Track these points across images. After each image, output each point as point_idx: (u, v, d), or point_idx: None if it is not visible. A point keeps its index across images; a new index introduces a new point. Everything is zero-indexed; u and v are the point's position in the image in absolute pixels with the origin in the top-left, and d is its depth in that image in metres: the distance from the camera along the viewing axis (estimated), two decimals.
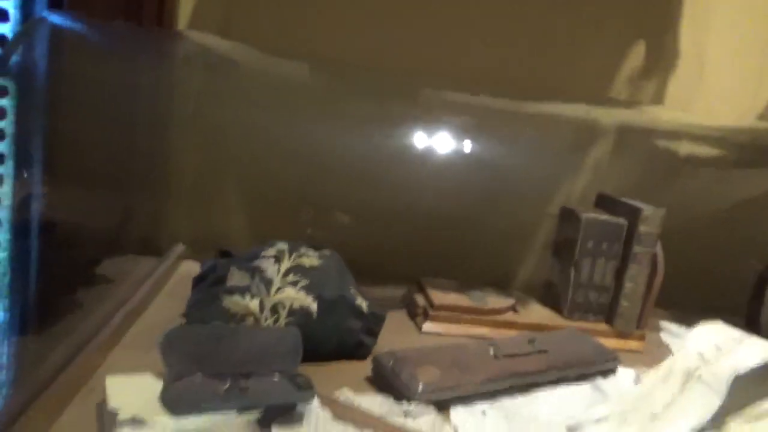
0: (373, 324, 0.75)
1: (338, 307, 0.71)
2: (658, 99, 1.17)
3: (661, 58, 1.16)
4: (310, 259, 0.73)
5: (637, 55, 1.15)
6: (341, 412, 0.60)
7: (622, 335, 0.89)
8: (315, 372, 0.68)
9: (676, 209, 1.18)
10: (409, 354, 0.68)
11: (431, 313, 0.86)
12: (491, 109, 1.13)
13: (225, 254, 0.82)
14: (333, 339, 0.71)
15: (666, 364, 0.67)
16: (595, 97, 1.17)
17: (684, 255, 1.19)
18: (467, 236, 1.14)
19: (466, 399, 0.66)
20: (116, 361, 0.65)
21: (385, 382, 0.66)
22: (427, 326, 0.86)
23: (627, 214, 0.89)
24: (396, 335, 0.80)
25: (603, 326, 0.91)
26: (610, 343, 0.87)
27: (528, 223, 1.15)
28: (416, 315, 0.89)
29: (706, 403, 0.61)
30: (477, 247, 1.15)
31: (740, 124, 1.21)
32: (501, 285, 1.08)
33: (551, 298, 0.96)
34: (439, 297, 0.88)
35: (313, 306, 0.69)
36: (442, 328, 0.86)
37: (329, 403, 0.60)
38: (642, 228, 0.87)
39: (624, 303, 0.89)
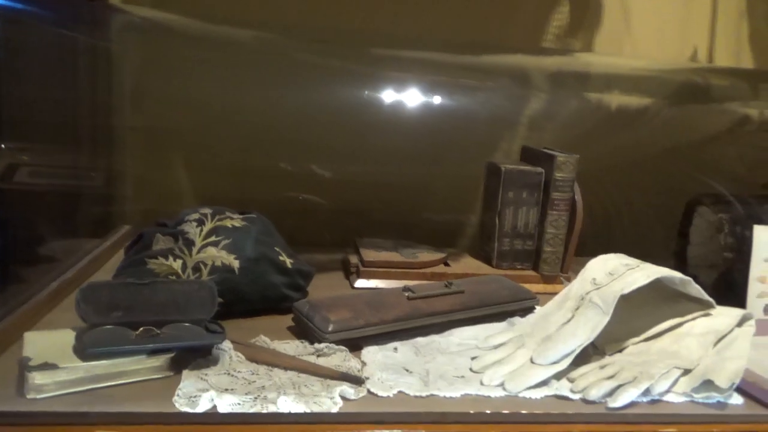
0: (299, 279, 0.80)
1: (260, 264, 0.75)
2: (588, 48, 1.21)
3: (588, 8, 1.20)
4: (233, 221, 0.77)
5: (565, 7, 1.19)
6: (254, 354, 0.64)
7: (547, 279, 0.94)
8: (240, 324, 0.73)
9: (612, 152, 1.24)
10: (325, 300, 0.72)
11: (362, 269, 0.90)
12: (432, 63, 1.16)
13: (162, 226, 0.86)
14: (256, 293, 0.75)
15: (563, 291, 0.72)
16: (529, 48, 1.21)
17: (618, 198, 1.25)
18: (414, 197, 1.18)
19: (379, 339, 0.70)
20: (51, 322, 0.69)
21: (302, 327, 0.70)
22: (360, 282, 0.90)
23: (544, 163, 0.93)
24: (330, 292, 0.84)
25: (530, 272, 0.95)
26: (537, 287, 0.91)
27: (473, 178, 1.19)
28: (350, 273, 0.93)
29: (595, 321, 0.65)
30: (425, 207, 1.19)
31: (671, 66, 1.25)
32: (448, 242, 1.13)
33: (482, 250, 1.00)
34: (371, 254, 0.92)
35: (235, 263, 0.74)
36: (374, 284, 0.90)
37: (243, 347, 0.65)
38: (558, 174, 0.91)
39: (547, 248, 0.93)
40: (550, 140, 1.11)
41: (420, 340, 0.72)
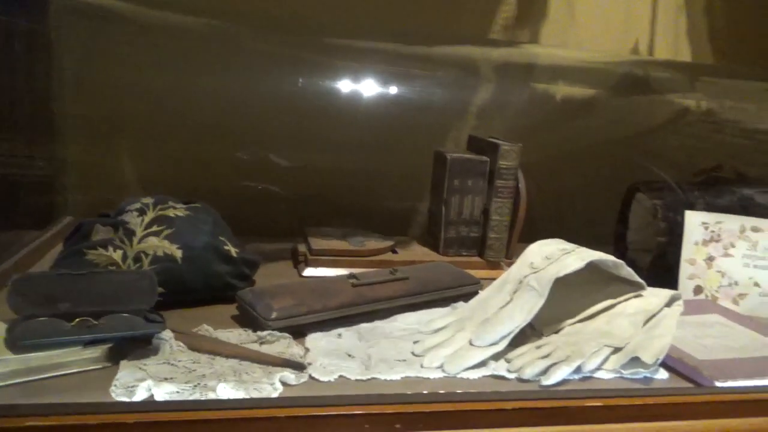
0: (245, 268, 0.80)
1: (204, 253, 0.75)
2: (535, 39, 1.24)
3: (534, 0, 1.22)
4: (177, 210, 0.77)
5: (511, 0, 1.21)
6: (196, 343, 0.64)
7: (492, 265, 0.96)
8: (183, 314, 0.72)
9: (560, 141, 1.27)
10: (269, 288, 0.72)
11: (310, 258, 0.91)
12: (384, 53, 1.17)
13: (104, 216, 0.84)
14: (200, 283, 0.74)
15: (503, 276, 0.74)
16: (478, 40, 1.23)
17: (566, 185, 1.28)
18: (367, 185, 1.19)
19: (324, 326, 0.71)
20: None
21: (245, 315, 0.70)
22: (308, 271, 0.90)
23: (489, 152, 0.95)
24: (278, 281, 0.84)
25: (476, 259, 0.97)
26: (482, 273, 0.93)
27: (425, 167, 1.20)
28: (299, 262, 0.93)
29: (531, 304, 0.68)
30: (378, 195, 1.20)
31: (614, 59, 1.29)
32: (400, 230, 1.15)
33: (430, 237, 1.02)
34: (319, 243, 0.93)
35: (178, 253, 0.73)
36: (322, 272, 0.90)
37: (185, 336, 0.64)
38: (502, 163, 0.93)
39: (492, 235, 0.96)
40: (499, 130, 1.13)
41: (364, 326, 0.73)
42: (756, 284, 0.87)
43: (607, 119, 1.31)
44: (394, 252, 0.97)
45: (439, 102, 1.21)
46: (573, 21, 1.26)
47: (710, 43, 1.32)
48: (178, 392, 0.54)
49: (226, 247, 0.77)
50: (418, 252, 0.99)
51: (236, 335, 0.68)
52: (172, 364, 0.59)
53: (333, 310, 0.71)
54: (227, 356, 0.62)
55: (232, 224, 0.84)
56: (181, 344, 0.63)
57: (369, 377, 0.60)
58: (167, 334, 0.63)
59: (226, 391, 0.54)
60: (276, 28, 1.12)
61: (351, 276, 0.77)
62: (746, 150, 1.40)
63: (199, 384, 0.56)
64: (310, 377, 0.59)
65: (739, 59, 1.34)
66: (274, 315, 0.67)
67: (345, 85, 1.14)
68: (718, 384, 0.61)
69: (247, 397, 0.54)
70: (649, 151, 1.33)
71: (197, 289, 0.74)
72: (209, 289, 0.75)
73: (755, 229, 0.87)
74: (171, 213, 0.76)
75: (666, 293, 0.76)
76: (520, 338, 0.68)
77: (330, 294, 0.72)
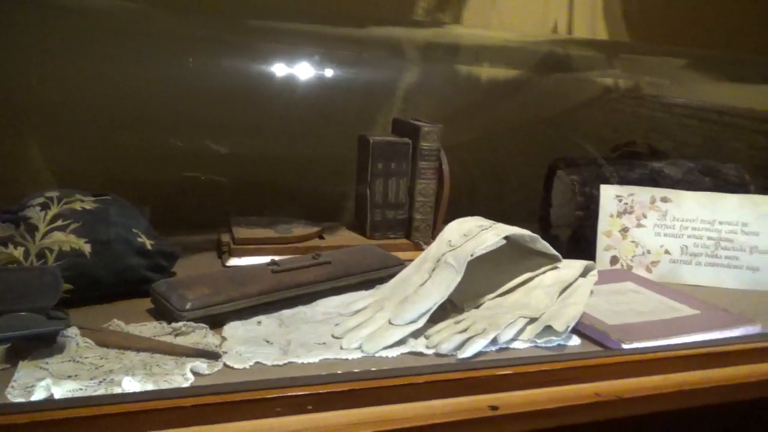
0: (161, 260, 0.77)
1: (115, 246, 0.72)
2: (457, 21, 1.25)
3: None
4: (84, 203, 0.73)
5: None
6: (105, 338, 0.61)
7: (419, 246, 0.97)
8: (94, 310, 0.69)
9: (488, 121, 1.29)
10: (184, 279, 0.71)
11: (233, 247, 0.89)
12: (309, 35, 1.15)
13: (5, 213, 0.80)
14: (112, 277, 0.72)
15: (422, 255, 0.75)
16: (402, 21, 1.22)
17: (494, 165, 1.31)
18: (297, 171, 1.17)
19: (243, 314, 0.70)
20: None
21: (160, 307, 0.68)
22: (232, 261, 0.88)
23: (412, 134, 0.96)
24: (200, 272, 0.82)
25: (403, 241, 0.98)
26: (410, 254, 0.93)
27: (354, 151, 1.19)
28: (222, 253, 0.91)
29: (449, 281, 0.68)
30: (308, 181, 1.18)
31: (535, 38, 1.32)
32: (332, 215, 1.14)
33: (357, 221, 1.01)
34: (242, 232, 0.91)
35: (86, 247, 0.70)
36: (246, 261, 0.88)
37: (93, 332, 0.62)
38: (423, 144, 0.94)
39: (418, 216, 0.96)
40: (426, 112, 1.13)
41: (286, 312, 0.72)
42: (666, 251, 0.91)
43: (532, 98, 1.33)
44: (321, 238, 0.96)
45: (367, 85, 1.21)
46: (494, 2, 1.28)
47: (624, 22, 1.37)
48: (81, 389, 0.52)
49: (140, 240, 0.75)
50: (345, 237, 0.98)
51: (150, 328, 0.66)
52: (78, 362, 0.57)
53: (252, 297, 0.70)
54: (138, 350, 0.60)
55: (156, 216, 0.81)
56: (89, 341, 0.61)
57: (286, 362, 0.59)
58: (73, 331, 0.60)
59: (132, 384, 0.52)
60: (196, 10, 1.08)
61: (272, 263, 0.76)
62: (666, 123, 1.46)
63: (104, 380, 0.54)
64: (225, 365, 0.58)
65: (653, 37, 1.40)
66: (188, 305, 0.65)
67: (270, 69, 1.11)
68: (624, 346, 0.64)
69: (156, 389, 0.52)
70: (578, 128, 1.37)
71: (109, 283, 0.72)
72: (123, 283, 0.73)
73: (664, 200, 0.91)
74: (78, 206, 0.72)
75: (580, 264, 0.78)
76: (441, 315, 0.69)
77: (249, 282, 0.71)
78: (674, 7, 1.40)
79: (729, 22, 1.47)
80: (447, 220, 0.98)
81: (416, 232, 0.97)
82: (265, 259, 0.87)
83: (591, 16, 1.35)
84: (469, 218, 0.78)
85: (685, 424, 0.62)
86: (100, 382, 0.53)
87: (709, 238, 0.90)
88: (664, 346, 0.64)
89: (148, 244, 0.76)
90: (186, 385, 0.54)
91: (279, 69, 1.11)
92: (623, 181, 0.96)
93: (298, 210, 1.07)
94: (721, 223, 0.90)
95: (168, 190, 1.08)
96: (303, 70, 1.13)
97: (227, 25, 1.10)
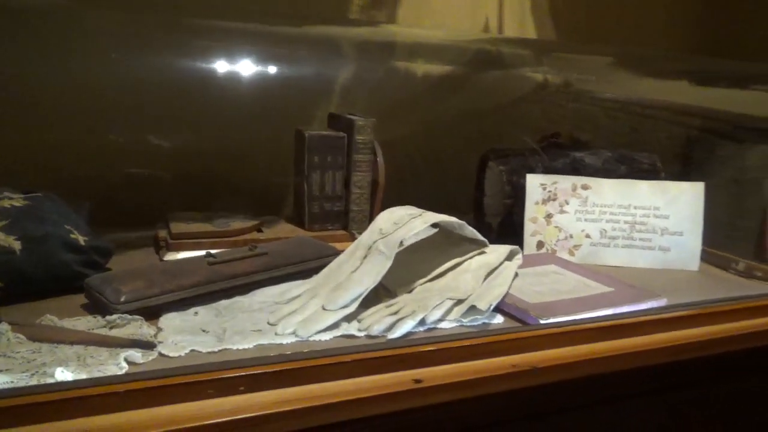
0: (95, 256, 0.77)
1: (47, 243, 0.72)
2: (392, 19, 1.29)
3: None
4: (13, 201, 0.73)
5: None
6: (37, 333, 0.62)
7: (356, 237, 1.00)
8: (26, 306, 0.69)
9: (427, 116, 1.33)
10: (119, 273, 0.71)
11: (170, 242, 0.89)
12: (243, 33, 1.16)
13: None
14: (44, 274, 0.71)
15: (355, 242, 0.78)
16: (338, 20, 1.25)
17: (433, 157, 1.35)
18: (238, 166, 1.18)
19: (180, 305, 0.71)
20: None
21: (94, 302, 0.69)
22: (169, 256, 0.89)
23: (347, 128, 0.98)
24: None
25: (341, 232, 1.01)
26: (347, 245, 0.95)
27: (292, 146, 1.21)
28: (160, 248, 0.92)
29: (380, 267, 0.72)
30: (249, 175, 1.19)
31: (468, 37, 1.37)
32: (273, 209, 1.15)
33: (296, 214, 1.04)
34: (179, 227, 0.92)
35: (16, 244, 0.70)
36: (184, 256, 0.89)
37: (24, 327, 0.62)
38: (358, 137, 0.97)
39: (354, 208, 0.99)
40: (363, 107, 1.16)
41: (223, 302, 0.74)
42: (587, 235, 0.97)
43: (467, 94, 1.38)
44: (260, 231, 0.98)
45: (304, 82, 1.23)
46: (427, 1, 1.32)
47: (552, 21, 1.44)
48: (12, 382, 0.52)
49: (72, 236, 0.75)
50: (284, 229, 1.00)
51: (84, 322, 0.66)
52: (9, 357, 0.57)
53: (188, 289, 0.71)
54: (71, 343, 0.61)
55: (94, 213, 0.81)
56: (20, 336, 0.61)
57: (221, 348, 0.61)
58: (3, 327, 0.60)
59: (65, 375, 0.53)
60: (130, 8, 1.08)
61: (208, 255, 0.77)
62: (596, 116, 1.54)
63: (37, 372, 0.54)
64: (160, 354, 0.59)
65: (579, 35, 1.47)
66: (123, 298, 0.66)
67: (207, 66, 1.12)
68: (542, 321, 0.69)
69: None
70: (512, 121, 1.43)
71: (41, 280, 0.71)
72: (56, 279, 0.73)
73: (585, 187, 0.98)
74: (6, 203, 0.72)
75: (505, 249, 0.83)
76: (374, 300, 0.72)
77: (184, 274, 0.72)
78: (597, 7, 1.48)
79: (650, 22, 1.57)
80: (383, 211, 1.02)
81: (353, 223, 1.00)
82: (202, 253, 0.89)
83: (520, 15, 1.41)
84: (399, 207, 0.81)
85: (596, 390, 0.67)
86: (33, 374, 0.54)
87: (625, 222, 0.96)
88: (576, 320, 0.69)
89: (82, 240, 0.76)
90: (120, 373, 0.55)
91: (216, 66, 1.12)
92: (548, 170, 1.02)
93: (237, 204, 1.08)
94: (635, 207, 0.96)
95: (105, 186, 1.07)
96: (240, 67, 1.14)
97: (162, 23, 1.10)
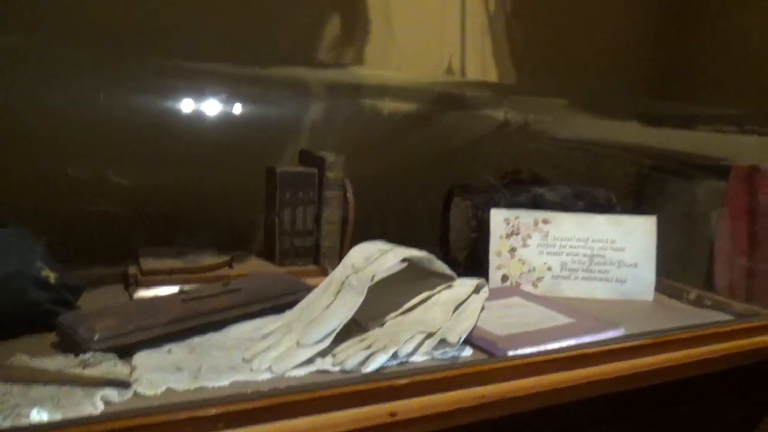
0: (66, 294, 0.77)
1: (16, 281, 0.71)
2: (360, 59, 1.33)
3: (357, 24, 1.31)
4: None
5: (335, 22, 1.29)
6: (9, 373, 0.61)
7: (327, 272, 1.01)
8: None
9: (390, 154, 1.37)
10: (92, 311, 0.71)
11: (141, 278, 0.89)
12: (212, 73, 1.18)
13: None
14: (14, 313, 0.71)
15: (328, 278, 0.80)
16: (307, 61, 1.29)
17: (396, 195, 1.39)
18: (207, 203, 1.18)
19: (153, 343, 0.71)
20: None
21: (67, 340, 0.69)
22: (140, 293, 0.89)
23: (318, 165, 1.01)
24: None
25: (312, 267, 1.02)
26: (318, 280, 0.97)
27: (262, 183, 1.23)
28: (129, 284, 0.91)
29: (353, 302, 0.74)
30: (219, 212, 1.20)
31: (432, 79, 1.43)
32: (242, 245, 1.16)
33: (267, 250, 1.05)
34: (150, 263, 0.92)
35: None
36: (154, 293, 0.89)
37: None
38: (328, 174, 0.99)
39: (325, 243, 1.02)
40: (333, 146, 1.19)
41: (196, 339, 0.74)
42: (549, 268, 1.01)
43: (432, 133, 1.44)
44: (231, 267, 0.99)
45: (274, 121, 1.26)
46: (394, 42, 1.37)
47: (512, 63, 1.51)
48: None
49: (43, 273, 0.74)
50: (255, 265, 1.01)
51: (57, 362, 0.66)
52: None
53: (161, 326, 0.71)
54: (45, 383, 0.60)
55: (62, 249, 0.81)
56: None
57: (197, 386, 0.62)
58: None
59: (41, 416, 0.53)
60: (99, 46, 1.09)
61: (181, 292, 0.78)
62: (553, 155, 1.61)
63: (11, 414, 0.54)
64: (136, 393, 0.59)
65: (537, 76, 1.55)
66: (97, 336, 0.66)
67: (177, 105, 1.14)
68: (510, 353, 0.72)
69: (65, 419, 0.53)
70: (479, 159, 1.49)
71: (11, 319, 0.71)
72: (26, 317, 0.72)
73: (545, 221, 1.02)
74: None
75: (472, 282, 0.86)
76: (347, 334, 0.74)
77: (158, 311, 0.73)
78: (554, 49, 1.56)
79: (604, 60, 1.66)
80: (353, 246, 1.04)
81: (324, 258, 1.02)
82: (173, 290, 0.89)
83: (482, 57, 1.48)
84: (370, 243, 0.84)
85: (561, 417, 0.70)
86: (6, 416, 0.53)
87: (584, 255, 1.01)
88: (542, 351, 0.72)
89: (52, 277, 0.75)
90: (97, 413, 0.55)
91: (186, 105, 1.14)
92: (510, 205, 1.07)
93: (208, 240, 1.09)
94: (593, 241, 1.01)
95: (75, 222, 1.07)
96: (210, 107, 1.16)
97: (134, 64, 1.12)
